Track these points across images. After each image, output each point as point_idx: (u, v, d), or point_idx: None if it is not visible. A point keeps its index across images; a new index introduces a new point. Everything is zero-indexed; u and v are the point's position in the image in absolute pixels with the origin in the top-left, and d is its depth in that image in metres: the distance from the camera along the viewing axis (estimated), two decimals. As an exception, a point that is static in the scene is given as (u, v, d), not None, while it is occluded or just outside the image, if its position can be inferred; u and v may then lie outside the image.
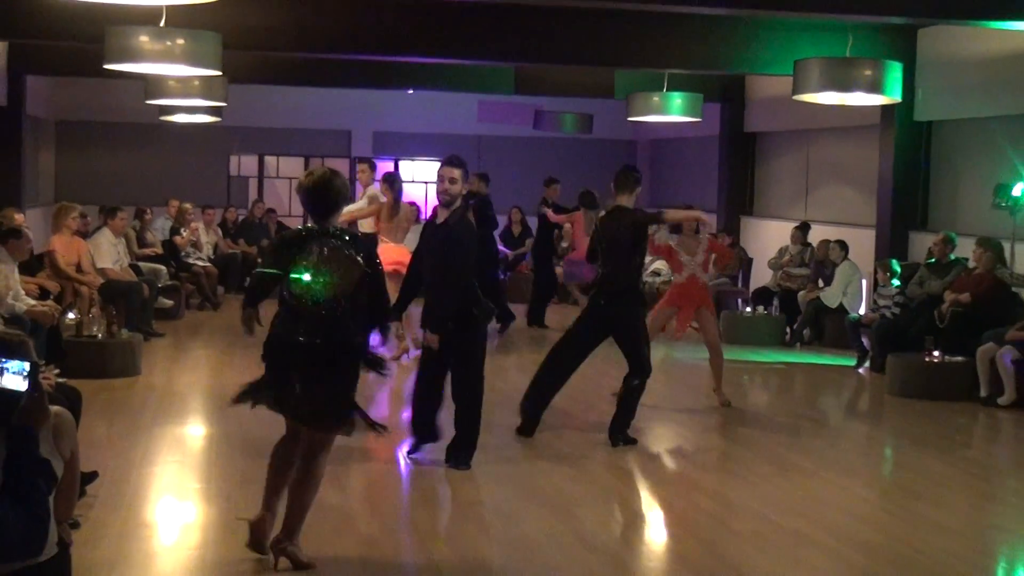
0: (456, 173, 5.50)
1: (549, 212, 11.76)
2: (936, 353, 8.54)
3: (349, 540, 4.43)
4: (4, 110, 11.73)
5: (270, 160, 15.93)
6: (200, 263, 11.43)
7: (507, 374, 8.38)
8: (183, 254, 11.28)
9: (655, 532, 5.41)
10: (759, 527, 5.25)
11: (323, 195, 3.88)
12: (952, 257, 9.38)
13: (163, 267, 10.42)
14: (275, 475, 4.02)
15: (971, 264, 9.10)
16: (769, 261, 11.91)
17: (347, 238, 3.98)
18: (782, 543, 5.03)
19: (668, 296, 7.96)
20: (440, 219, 5.42)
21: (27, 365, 2.68)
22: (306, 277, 3.81)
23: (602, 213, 7.40)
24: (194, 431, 6.62)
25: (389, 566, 4.25)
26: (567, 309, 11.91)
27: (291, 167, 15.70)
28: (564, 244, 12.58)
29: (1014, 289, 8.88)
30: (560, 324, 10.23)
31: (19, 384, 2.66)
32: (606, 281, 6.58)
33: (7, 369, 2.68)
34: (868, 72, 8.51)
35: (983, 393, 8.06)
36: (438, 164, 5.96)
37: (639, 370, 6.27)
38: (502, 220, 12.50)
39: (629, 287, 6.48)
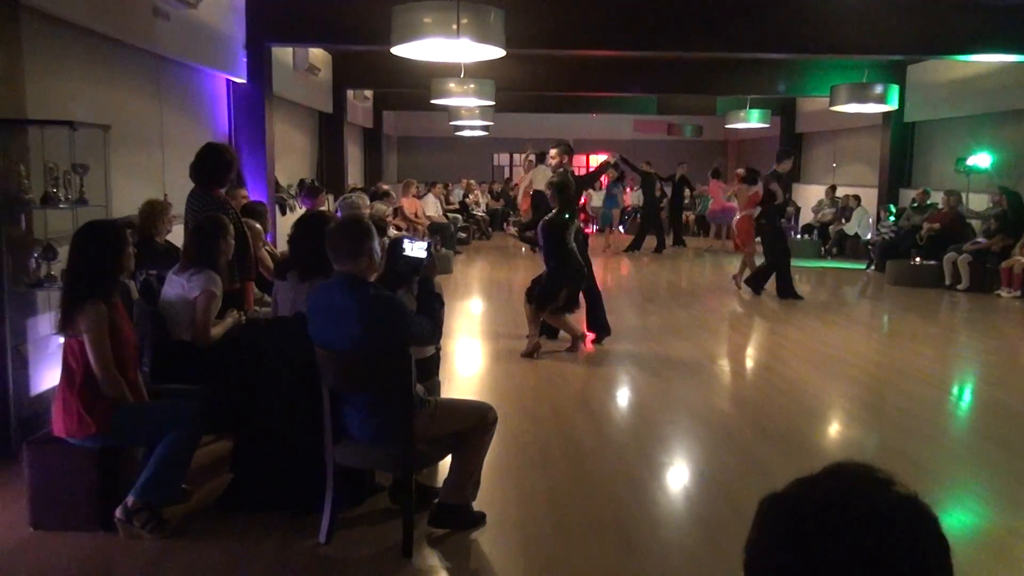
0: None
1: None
2: (918, 259, 11.79)
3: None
4: (370, 131, 18.32)
5: (516, 156, 23.60)
6: (479, 213, 17.61)
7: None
8: (470, 208, 17.41)
9: (756, 354, 7.73)
10: (811, 355, 7.29)
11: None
12: (928, 202, 12.80)
13: (459, 215, 15.77)
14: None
15: (940, 206, 12.36)
16: (812, 207, 16.38)
17: None
18: (826, 363, 7.07)
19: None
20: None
21: (426, 242, 3.69)
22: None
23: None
24: (475, 307, 10.10)
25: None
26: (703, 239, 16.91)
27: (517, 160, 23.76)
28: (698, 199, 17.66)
29: (967, 220, 12.04)
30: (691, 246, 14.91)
31: (422, 253, 3.62)
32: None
33: (415, 245, 3.64)
34: (877, 91, 11.52)
35: (947, 283, 11.35)
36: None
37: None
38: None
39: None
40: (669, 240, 16.13)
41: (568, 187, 7.04)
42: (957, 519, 3.92)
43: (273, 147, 10.10)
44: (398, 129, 22.41)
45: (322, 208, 10.05)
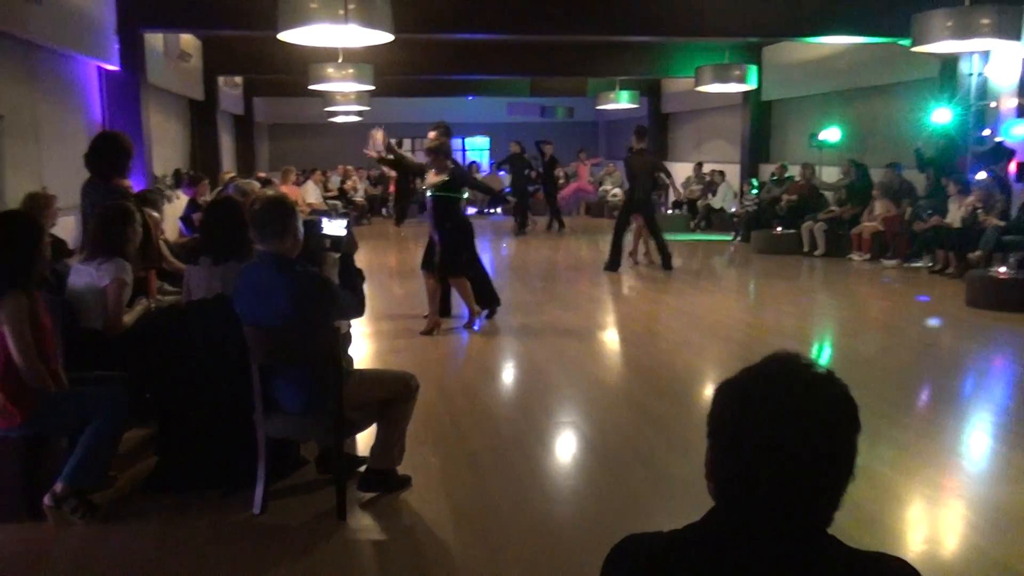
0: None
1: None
2: (779, 229, 12.60)
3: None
4: (241, 118, 18.01)
5: (392, 141, 23.04)
6: (358, 199, 17.37)
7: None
8: (349, 194, 17.35)
9: (640, 321, 8.17)
10: (689, 319, 7.93)
11: None
12: (786, 176, 13.74)
13: (339, 202, 15.47)
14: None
15: (797, 178, 13.25)
16: (680, 184, 17.24)
17: None
18: (703, 326, 7.65)
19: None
20: None
21: (344, 220, 3.85)
22: None
23: (629, 154, 10.92)
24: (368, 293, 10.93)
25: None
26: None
27: (404, 146, 23.68)
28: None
29: (821, 191, 12.93)
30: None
31: (341, 231, 3.78)
32: (631, 193, 10.72)
33: (333, 223, 3.82)
34: (737, 72, 12.42)
35: (805, 249, 12.20)
36: (485, 139, 10.42)
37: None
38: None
39: (647, 197, 10.79)
40: (540, 222, 16.26)
41: (447, 150, 7.26)
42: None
43: (150, 137, 9.87)
44: (269, 116, 21.98)
45: (204, 196, 9.91)
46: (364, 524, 3.61)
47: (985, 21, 7.70)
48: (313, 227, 3.91)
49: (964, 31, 7.76)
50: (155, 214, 5.95)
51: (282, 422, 3.62)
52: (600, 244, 13.78)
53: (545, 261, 12.71)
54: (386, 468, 3.85)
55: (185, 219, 9.45)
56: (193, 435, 3.90)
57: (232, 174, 13.27)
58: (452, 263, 7.13)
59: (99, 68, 9.12)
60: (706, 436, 1.26)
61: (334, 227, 3.83)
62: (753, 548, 1.18)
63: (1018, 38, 7.91)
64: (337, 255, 3.86)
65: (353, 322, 6.31)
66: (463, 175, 7.43)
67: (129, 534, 3.55)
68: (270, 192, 5.13)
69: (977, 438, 4.80)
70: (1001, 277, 8.20)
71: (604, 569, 1.32)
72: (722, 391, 1.24)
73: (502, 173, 17.54)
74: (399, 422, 3.83)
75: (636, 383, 5.97)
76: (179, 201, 10.14)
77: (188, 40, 12.84)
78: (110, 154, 4.91)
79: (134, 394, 3.86)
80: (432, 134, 7.97)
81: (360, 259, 4.07)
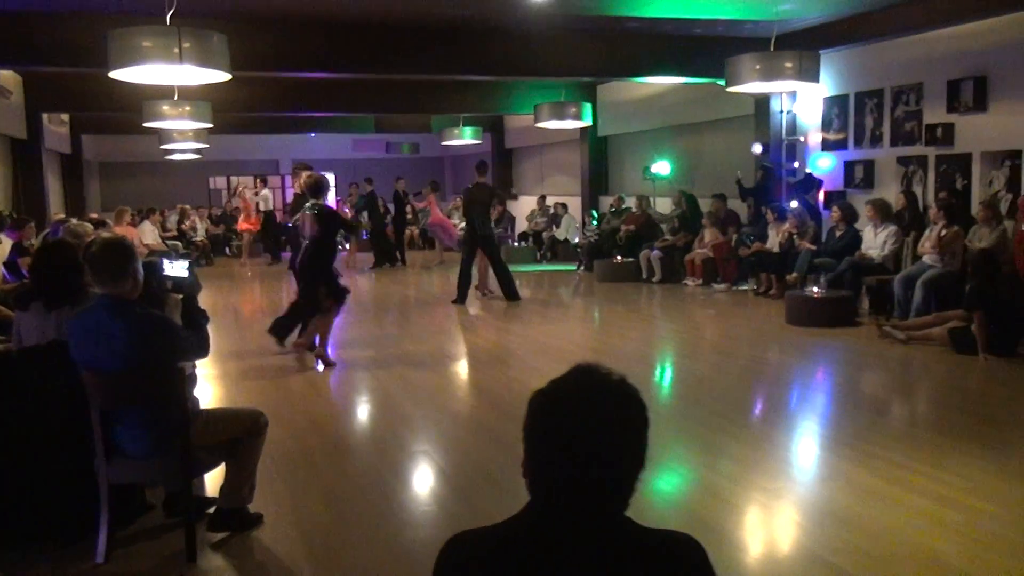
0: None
1: (418, 201, 16.85)
2: (619, 258, 13.21)
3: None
4: (69, 157, 17.20)
5: (233, 179, 23.16)
6: (198, 239, 16.60)
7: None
8: (188, 235, 16.81)
9: (489, 350, 8.55)
10: (537, 346, 8.36)
11: None
12: (624, 207, 14.47)
13: (178, 242, 14.83)
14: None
15: (634, 209, 13.93)
16: (526, 216, 17.70)
17: None
18: (550, 352, 7.99)
19: None
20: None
21: (186, 260, 3.86)
22: None
23: (468, 187, 11.25)
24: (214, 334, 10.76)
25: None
26: (429, 253, 17.21)
27: (245, 182, 22.68)
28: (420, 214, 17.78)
29: (656, 221, 13.65)
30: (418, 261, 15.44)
31: (183, 272, 3.81)
32: (472, 226, 10.87)
33: (175, 264, 3.81)
34: (573, 109, 12.87)
35: (644, 276, 12.83)
36: (330, 176, 10.23)
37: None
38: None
39: (488, 230, 10.88)
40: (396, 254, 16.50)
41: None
42: (673, 472, 4.75)
43: (-35, 178, 9.27)
44: (100, 154, 20.98)
45: (30, 240, 9.40)
46: (215, 564, 3.59)
47: (788, 65, 8.49)
48: (154, 269, 3.87)
49: (770, 73, 8.52)
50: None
51: (126, 467, 3.55)
52: (451, 278, 13.97)
53: (398, 296, 12.79)
54: (236, 507, 3.83)
55: (9, 264, 8.92)
56: (28, 487, 3.75)
57: (61, 215, 12.63)
58: (312, 306, 7.39)
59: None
60: (522, 440, 1.43)
61: (176, 268, 3.82)
62: (560, 532, 1.36)
63: (817, 80, 8.76)
64: (180, 296, 3.84)
65: (200, 363, 6.21)
66: (331, 213, 7.64)
67: (-42, 596, 3.38)
68: (106, 234, 5.00)
69: (803, 445, 5.27)
70: (815, 296, 8.98)
71: (436, 564, 1.46)
72: (532, 399, 1.43)
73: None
74: (248, 460, 3.83)
75: (485, 408, 6.16)
76: (2, 246, 9.55)
77: (7, 76, 12.18)
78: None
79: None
80: (305, 174, 8.09)
81: (205, 299, 4.04)
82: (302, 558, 3.63)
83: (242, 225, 17.00)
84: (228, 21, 9.01)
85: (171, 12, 6.90)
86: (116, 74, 6.75)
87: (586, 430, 1.36)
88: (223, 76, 6.99)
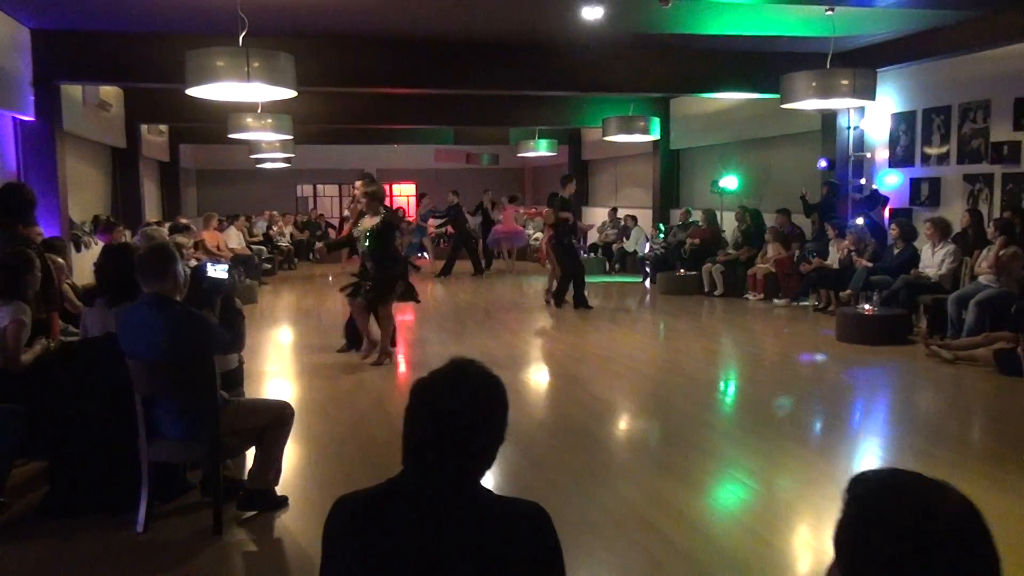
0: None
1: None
2: (682, 271, 13.27)
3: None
4: (167, 165, 18.22)
5: (319, 187, 24.67)
6: (284, 244, 17.72)
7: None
8: (275, 240, 17.69)
9: (545, 361, 8.61)
10: (596, 357, 8.35)
11: None
12: (690, 220, 14.59)
13: (264, 247, 15.79)
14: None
15: (700, 223, 14.04)
16: (597, 228, 17.90)
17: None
18: (613, 364, 8.09)
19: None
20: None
21: (227, 265, 4.32)
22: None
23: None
24: (284, 333, 10.78)
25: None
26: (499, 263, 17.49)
27: (331, 191, 24.65)
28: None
29: (722, 234, 13.80)
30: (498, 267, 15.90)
31: (223, 275, 4.18)
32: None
33: (217, 268, 4.22)
34: (641, 123, 13.08)
35: (707, 290, 12.91)
36: (412, 186, 11.00)
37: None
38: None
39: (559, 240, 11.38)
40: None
41: (381, 196, 8.20)
42: (732, 491, 4.93)
43: (65, 184, 10.10)
44: (197, 162, 22.22)
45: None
46: (238, 538, 3.98)
47: (844, 82, 8.52)
48: (200, 271, 4.32)
49: (825, 91, 8.57)
50: (59, 260, 6.25)
51: (164, 447, 3.98)
52: (523, 287, 14.31)
53: (473, 302, 13.10)
54: (262, 488, 4.22)
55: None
56: (82, 463, 4.23)
57: (154, 220, 13.50)
58: (384, 295, 7.73)
59: (14, 119, 9.37)
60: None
61: (217, 271, 4.24)
62: (423, 495, 1.65)
63: (873, 98, 8.76)
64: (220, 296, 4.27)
65: (272, 358, 6.67)
66: (394, 217, 8.14)
67: (15, 554, 3.85)
68: (158, 240, 5.51)
69: (861, 453, 5.37)
70: (866, 313, 8.93)
71: (325, 522, 1.76)
72: (413, 384, 1.71)
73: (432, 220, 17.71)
74: (273, 447, 4.22)
75: (542, 419, 6.42)
76: (97, 247, 10.35)
77: (109, 90, 13.11)
78: (12, 204, 5.23)
79: (32, 428, 4.18)
80: (360, 183, 8.39)
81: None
82: (318, 539, 3.96)
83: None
84: (301, 38, 9.58)
85: (244, 33, 7.44)
86: (193, 91, 7.33)
87: (452, 406, 1.64)
88: (290, 93, 7.50)
